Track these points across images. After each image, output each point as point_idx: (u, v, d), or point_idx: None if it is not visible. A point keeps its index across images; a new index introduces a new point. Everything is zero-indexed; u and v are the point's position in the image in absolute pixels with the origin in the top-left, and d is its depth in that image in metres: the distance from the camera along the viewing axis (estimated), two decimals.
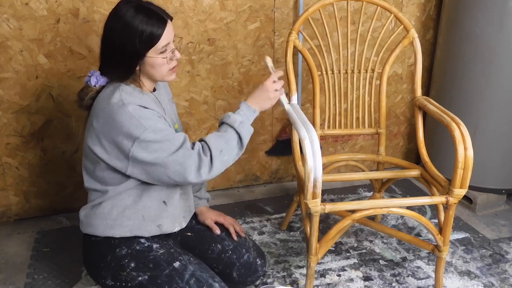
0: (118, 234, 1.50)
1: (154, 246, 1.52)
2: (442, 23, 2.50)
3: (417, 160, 2.81)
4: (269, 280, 1.91)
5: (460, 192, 1.61)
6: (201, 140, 1.44)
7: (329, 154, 2.30)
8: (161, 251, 1.51)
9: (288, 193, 2.59)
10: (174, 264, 1.48)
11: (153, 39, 1.38)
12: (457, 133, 1.58)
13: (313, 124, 1.96)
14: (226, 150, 1.42)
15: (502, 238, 2.22)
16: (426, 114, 1.89)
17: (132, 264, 1.48)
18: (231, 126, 1.45)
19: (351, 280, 1.93)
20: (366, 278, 1.94)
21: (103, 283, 1.52)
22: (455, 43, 2.37)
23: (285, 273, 1.96)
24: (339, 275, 1.95)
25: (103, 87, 1.46)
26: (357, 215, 1.63)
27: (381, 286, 1.90)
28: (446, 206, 1.66)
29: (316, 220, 1.60)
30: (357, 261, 2.04)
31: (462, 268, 2.01)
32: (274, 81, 1.53)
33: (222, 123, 1.48)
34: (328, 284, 1.91)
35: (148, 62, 1.41)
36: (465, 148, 1.56)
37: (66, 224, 2.29)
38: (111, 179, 1.47)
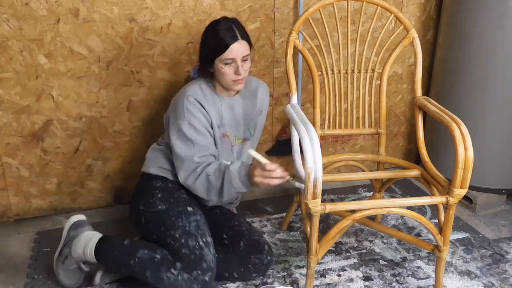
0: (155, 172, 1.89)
1: (182, 190, 1.84)
2: (442, 23, 2.50)
3: (417, 160, 2.81)
4: (269, 280, 1.91)
5: (460, 192, 1.61)
6: (210, 161, 1.77)
7: (329, 154, 2.30)
8: (185, 196, 1.82)
9: (288, 193, 2.59)
10: (188, 207, 1.78)
11: (220, 50, 1.69)
12: (457, 133, 1.58)
13: (313, 124, 1.96)
14: (211, 183, 1.74)
15: (502, 238, 2.22)
16: (426, 114, 1.89)
17: (159, 195, 1.81)
18: (223, 178, 1.71)
19: (351, 280, 1.93)
20: (366, 278, 1.94)
21: (138, 209, 1.84)
22: (455, 43, 2.37)
23: (285, 273, 1.96)
24: (339, 275, 1.95)
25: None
26: (357, 215, 1.63)
27: (381, 286, 1.90)
28: (446, 206, 1.66)
29: (316, 220, 1.60)
30: (357, 261, 2.04)
31: (462, 268, 2.01)
32: (265, 170, 1.62)
33: (227, 167, 1.72)
34: (328, 284, 1.91)
35: (216, 67, 1.74)
36: (465, 148, 1.56)
37: None
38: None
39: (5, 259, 2.04)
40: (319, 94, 1.99)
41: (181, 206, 1.77)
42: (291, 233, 2.23)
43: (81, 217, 1.89)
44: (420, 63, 1.96)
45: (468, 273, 1.98)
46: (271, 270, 1.97)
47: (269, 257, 1.80)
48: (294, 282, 1.91)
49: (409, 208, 1.67)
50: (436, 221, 1.97)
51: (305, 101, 2.55)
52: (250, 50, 1.75)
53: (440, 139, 2.52)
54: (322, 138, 2.21)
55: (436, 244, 1.74)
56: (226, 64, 1.71)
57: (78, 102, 2.19)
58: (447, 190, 1.66)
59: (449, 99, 2.40)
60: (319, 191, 1.50)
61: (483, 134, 2.32)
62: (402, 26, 1.96)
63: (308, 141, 1.49)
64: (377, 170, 2.11)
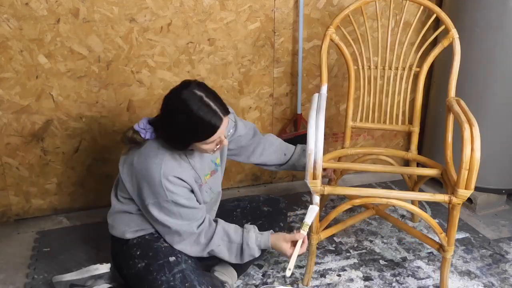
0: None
1: (162, 239, 1.65)
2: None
3: None
4: (269, 280, 1.91)
5: (464, 193, 1.59)
6: (215, 221, 1.65)
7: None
8: (165, 244, 1.64)
9: (289, 193, 2.59)
10: (170, 257, 1.60)
11: (205, 137, 1.50)
12: (466, 134, 1.57)
13: (346, 116, 2.01)
14: (221, 251, 1.63)
15: (502, 238, 2.22)
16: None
17: (138, 252, 1.63)
18: (241, 241, 1.62)
19: (351, 280, 1.93)
20: (366, 278, 1.94)
21: (123, 274, 1.70)
22: None
23: (285, 273, 1.96)
24: (339, 275, 1.95)
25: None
26: (356, 201, 1.69)
27: (381, 286, 1.90)
28: (451, 206, 1.65)
29: (315, 197, 1.66)
30: (357, 261, 2.04)
31: (462, 268, 2.01)
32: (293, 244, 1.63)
33: (242, 229, 1.65)
34: (328, 284, 1.91)
35: (195, 145, 1.53)
36: (472, 150, 1.54)
37: (66, 224, 2.29)
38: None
39: (5, 259, 2.04)
40: (353, 88, 2.05)
41: (162, 258, 1.60)
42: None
43: (105, 268, 1.79)
44: (458, 63, 1.94)
45: (468, 273, 1.98)
46: (271, 270, 1.97)
47: (283, 201, 2.00)
48: (294, 282, 1.91)
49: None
50: (436, 221, 1.97)
51: (305, 101, 2.55)
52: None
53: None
54: (354, 129, 2.19)
55: (440, 243, 1.74)
56: (209, 143, 1.52)
57: (78, 102, 2.19)
58: (452, 190, 1.65)
59: None
60: (318, 172, 1.56)
61: (483, 134, 2.28)
62: (443, 26, 1.96)
63: (313, 124, 1.55)
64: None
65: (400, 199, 1.67)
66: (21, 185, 2.25)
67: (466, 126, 1.59)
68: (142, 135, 1.56)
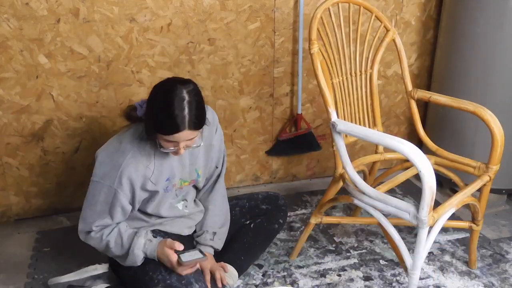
0: None
1: (158, 237, 1.65)
2: (442, 23, 2.50)
3: None
4: (269, 280, 1.92)
5: (496, 167, 1.79)
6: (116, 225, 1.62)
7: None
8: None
9: (289, 193, 2.59)
10: None
11: (163, 131, 1.47)
12: (489, 116, 1.74)
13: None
14: (111, 249, 1.61)
15: (503, 238, 2.22)
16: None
17: None
18: (129, 246, 1.58)
19: (351, 280, 1.93)
20: (366, 278, 1.94)
21: (118, 274, 1.72)
22: (455, 43, 2.37)
23: (285, 273, 1.96)
24: (339, 275, 1.95)
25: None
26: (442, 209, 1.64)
27: (381, 286, 1.90)
28: (486, 184, 1.80)
29: (425, 232, 1.57)
30: (358, 261, 2.04)
31: (462, 268, 2.01)
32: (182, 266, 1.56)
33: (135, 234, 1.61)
34: (328, 284, 1.91)
35: (156, 137, 1.52)
36: (498, 128, 1.74)
37: (66, 224, 2.29)
38: None
39: (5, 259, 2.04)
40: (333, 97, 1.96)
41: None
42: (291, 233, 2.23)
43: (104, 268, 1.81)
44: (405, 59, 1.99)
45: (468, 273, 1.98)
46: (271, 270, 1.97)
47: (283, 198, 1.99)
48: (294, 282, 1.91)
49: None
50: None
51: (305, 101, 2.55)
52: (201, 129, 1.54)
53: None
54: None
55: (472, 220, 1.91)
56: (167, 141, 1.50)
57: (78, 102, 2.19)
58: (484, 169, 1.81)
59: None
60: (433, 203, 1.51)
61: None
62: (382, 25, 1.96)
63: (417, 158, 1.45)
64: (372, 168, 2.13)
65: (469, 194, 1.76)
66: (21, 185, 2.25)
67: (482, 111, 1.76)
68: (138, 112, 1.57)
